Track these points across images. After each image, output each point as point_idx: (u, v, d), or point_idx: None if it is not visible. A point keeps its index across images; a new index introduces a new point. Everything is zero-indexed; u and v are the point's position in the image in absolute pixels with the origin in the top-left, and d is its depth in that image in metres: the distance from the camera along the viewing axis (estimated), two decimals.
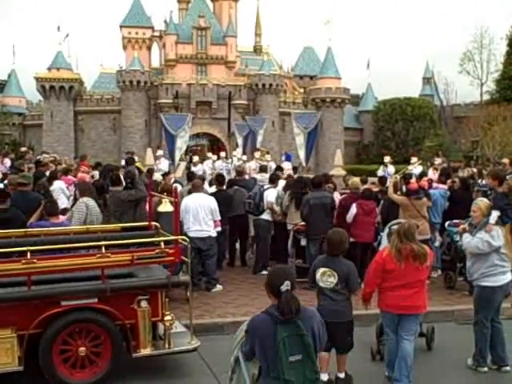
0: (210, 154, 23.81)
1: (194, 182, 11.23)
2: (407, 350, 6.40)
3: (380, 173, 19.27)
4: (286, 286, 3.86)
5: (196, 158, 24.31)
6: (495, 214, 7.17)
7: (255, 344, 3.92)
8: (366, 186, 12.61)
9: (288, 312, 3.82)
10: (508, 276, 7.05)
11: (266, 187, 12.21)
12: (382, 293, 6.55)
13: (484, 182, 13.59)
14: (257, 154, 22.67)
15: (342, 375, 6.56)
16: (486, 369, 7.12)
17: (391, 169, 20.17)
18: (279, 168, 16.49)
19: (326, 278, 6.44)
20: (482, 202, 7.20)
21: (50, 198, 9.74)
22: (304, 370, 3.83)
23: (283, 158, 23.67)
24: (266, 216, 11.86)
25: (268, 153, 25.13)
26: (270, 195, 11.86)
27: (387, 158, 21.22)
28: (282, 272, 4.03)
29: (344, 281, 6.40)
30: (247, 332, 4.01)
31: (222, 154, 26.01)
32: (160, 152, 23.75)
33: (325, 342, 4.21)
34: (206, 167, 21.89)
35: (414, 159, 20.79)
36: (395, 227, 10.55)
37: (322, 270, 6.49)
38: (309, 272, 6.90)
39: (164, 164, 21.15)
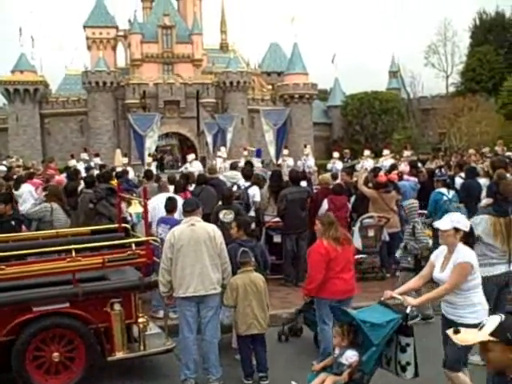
0: (190, 156, 23.62)
1: (161, 183, 11.26)
2: None
3: (358, 167, 19.12)
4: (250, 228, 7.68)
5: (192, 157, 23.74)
6: (486, 201, 7.22)
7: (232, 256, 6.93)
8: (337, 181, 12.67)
9: (249, 242, 7.36)
10: (498, 268, 6.93)
11: (246, 185, 12.15)
12: (326, 282, 6.67)
13: (444, 171, 13.73)
14: (245, 153, 22.70)
15: None
16: None
17: (370, 162, 19.82)
18: (249, 163, 16.41)
19: (226, 215, 9.52)
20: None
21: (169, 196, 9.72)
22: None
23: (245, 153, 23.49)
24: (251, 213, 11.79)
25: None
26: (257, 195, 11.77)
27: (367, 152, 20.93)
28: (246, 221, 7.81)
29: (236, 216, 9.24)
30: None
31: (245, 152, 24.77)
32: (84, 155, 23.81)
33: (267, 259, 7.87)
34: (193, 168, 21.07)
35: (385, 151, 20.88)
36: (367, 221, 10.78)
37: (223, 211, 9.63)
38: (212, 216, 9.59)
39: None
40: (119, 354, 6.56)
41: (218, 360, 6.66)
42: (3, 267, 6.19)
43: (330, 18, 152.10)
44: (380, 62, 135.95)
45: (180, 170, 24.30)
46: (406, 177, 12.80)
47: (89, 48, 64.96)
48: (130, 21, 64.23)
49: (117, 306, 6.50)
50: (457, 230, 5.30)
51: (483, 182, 11.60)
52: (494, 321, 3.33)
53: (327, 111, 70.09)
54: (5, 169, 15.11)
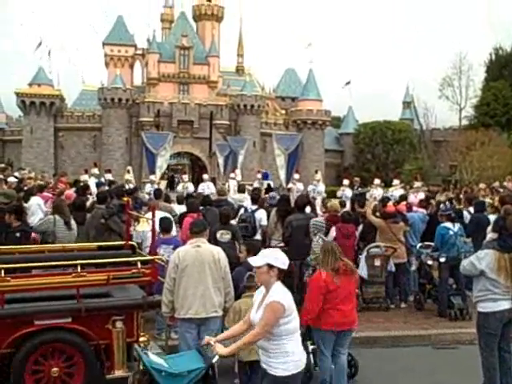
0: (206, 176, 23.90)
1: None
2: (345, 363, 6.91)
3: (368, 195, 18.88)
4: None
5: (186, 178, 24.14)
6: (491, 235, 7.14)
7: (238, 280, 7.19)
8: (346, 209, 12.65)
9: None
10: (502, 304, 6.77)
11: (253, 208, 12.17)
12: (323, 312, 6.57)
13: (450, 205, 13.65)
14: (258, 175, 22.79)
15: None
16: None
17: (380, 191, 19.67)
18: (257, 189, 16.47)
19: (223, 235, 9.61)
20: None
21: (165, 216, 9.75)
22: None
23: (258, 176, 23.69)
24: (258, 236, 11.78)
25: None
26: (263, 219, 11.77)
27: (377, 181, 20.77)
28: (256, 245, 7.94)
29: (233, 237, 9.70)
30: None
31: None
32: (95, 170, 23.95)
33: None
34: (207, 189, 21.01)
35: (395, 181, 20.69)
36: (373, 250, 10.74)
37: (220, 231, 9.64)
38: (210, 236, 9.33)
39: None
40: (118, 373, 6.50)
41: None
42: (8, 279, 6.20)
43: (346, 45, 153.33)
44: (395, 91, 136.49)
45: (176, 189, 24.53)
46: (415, 208, 12.75)
47: (106, 65, 65.73)
48: (148, 40, 65.09)
49: (119, 324, 6.47)
50: (271, 266, 4.70)
51: (493, 217, 11.51)
52: None
53: (339, 138, 70.26)
54: (15, 180, 15.19)
